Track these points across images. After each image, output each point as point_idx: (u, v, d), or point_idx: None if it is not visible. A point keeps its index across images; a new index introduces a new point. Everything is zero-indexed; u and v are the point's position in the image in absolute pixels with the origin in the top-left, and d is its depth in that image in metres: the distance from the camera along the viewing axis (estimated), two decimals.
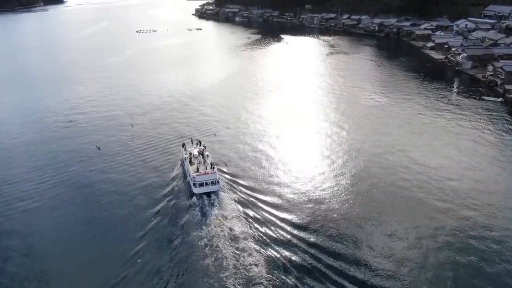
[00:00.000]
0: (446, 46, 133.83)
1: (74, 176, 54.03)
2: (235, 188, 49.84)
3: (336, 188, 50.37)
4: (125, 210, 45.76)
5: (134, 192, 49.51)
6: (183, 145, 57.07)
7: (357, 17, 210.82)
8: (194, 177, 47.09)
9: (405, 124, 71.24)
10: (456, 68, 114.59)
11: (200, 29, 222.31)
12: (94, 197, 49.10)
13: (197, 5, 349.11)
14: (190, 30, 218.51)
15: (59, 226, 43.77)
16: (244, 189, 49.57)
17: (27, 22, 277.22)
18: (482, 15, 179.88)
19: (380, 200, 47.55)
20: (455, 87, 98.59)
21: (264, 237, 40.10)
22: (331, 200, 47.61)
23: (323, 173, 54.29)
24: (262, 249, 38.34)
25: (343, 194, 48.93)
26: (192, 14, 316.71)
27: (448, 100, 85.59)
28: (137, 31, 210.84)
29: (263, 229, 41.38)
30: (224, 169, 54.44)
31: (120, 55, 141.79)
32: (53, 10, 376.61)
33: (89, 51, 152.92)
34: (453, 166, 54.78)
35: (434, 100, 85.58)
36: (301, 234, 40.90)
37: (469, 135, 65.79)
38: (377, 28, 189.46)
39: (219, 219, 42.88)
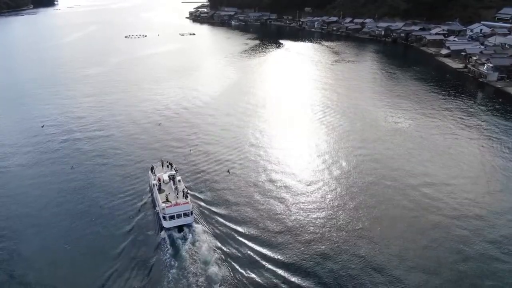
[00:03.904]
0: (463, 53, 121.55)
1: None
2: (211, 218, 43.51)
3: (340, 227, 41.60)
4: (82, 252, 38.47)
5: (91, 227, 42.37)
6: (152, 168, 49.61)
7: (360, 20, 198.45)
8: (163, 209, 40.83)
9: (437, 156, 57.84)
10: (480, 79, 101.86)
11: (194, 34, 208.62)
12: (38, 241, 40.57)
13: (191, 7, 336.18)
14: (183, 35, 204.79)
15: None
16: (222, 220, 43.16)
17: (8, 27, 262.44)
18: (496, 19, 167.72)
19: (398, 256, 36.22)
20: (484, 103, 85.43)
21: (247, 282, 34.20)
22: (330, 240, 39.84)
23: (323, 208, 45.47)
24: None
25: (347, 236, 40.24)
26: (186, 17, 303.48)
27: (484, 121, 72.33)
28: (125, 37, 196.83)
29: (244, 271, 35.46)
30: (200, 195, 47.89)
31: (101, 66, 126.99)
32: (42, 14, 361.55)
33: (67, 61, 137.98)
34: None
35: (466, 121, 72.44)
36: (291, 277, 34.85)
37: None
38: (383, 33, 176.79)
39: (193, 259, 36.88)
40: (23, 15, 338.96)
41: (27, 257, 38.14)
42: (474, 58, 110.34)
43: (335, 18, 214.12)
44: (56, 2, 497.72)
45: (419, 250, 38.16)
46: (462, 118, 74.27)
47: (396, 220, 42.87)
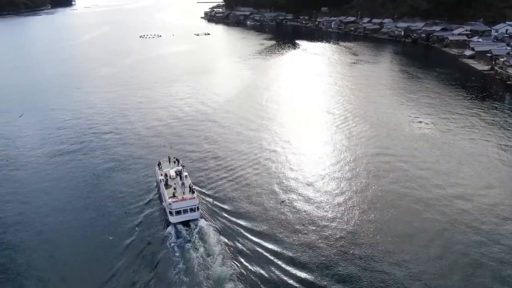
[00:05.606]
0: (489, 54, 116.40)
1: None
2: (218, 214, 43.05)
3: (356, 231, 40.19)
4: (88, 247, 38.30)
5: (98, 222, 42.30)
6: (159, 164, 50.07)
7: (379, 20, 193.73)
8: (170, 204, 40.95)
9: (466, 164, 53.99)
10: (508, 82, 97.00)
11: (209, 34, 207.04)
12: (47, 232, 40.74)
13: (206, 7, 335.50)
14: (198, 35, 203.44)
15: None
16: (229, 216, 42.65)
17: (27, 26, 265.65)
18: None
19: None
20: None
21: (253, 277, 33.65)
22: (341, 239, 39.01)
23: (338, 211, 43.88)
24: None
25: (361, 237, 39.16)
26: (201, 18, 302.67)
27: None
28: (140, 36, 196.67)
29: (250, 266, 34.92)
30: (206, 191, 47.58)
31: (114, 66, 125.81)
32: (59, 14, 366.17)
33: (82, 61, 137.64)
34: None
35: (495, 127, 68.12)
36: (300, 274, 34.11)
37: None
38: (402, 33, 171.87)
39: (199, 254, 36.55)
40: (41, 15, 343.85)
41: (33, 251, 38.08)
42: (502, 59, 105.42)
43: (352, 18, 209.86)
44: (73, 2, 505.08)
45: (449, 263, 34.89)
46: (491, 123, 70.05)
47: (420, 230, 39.67)
